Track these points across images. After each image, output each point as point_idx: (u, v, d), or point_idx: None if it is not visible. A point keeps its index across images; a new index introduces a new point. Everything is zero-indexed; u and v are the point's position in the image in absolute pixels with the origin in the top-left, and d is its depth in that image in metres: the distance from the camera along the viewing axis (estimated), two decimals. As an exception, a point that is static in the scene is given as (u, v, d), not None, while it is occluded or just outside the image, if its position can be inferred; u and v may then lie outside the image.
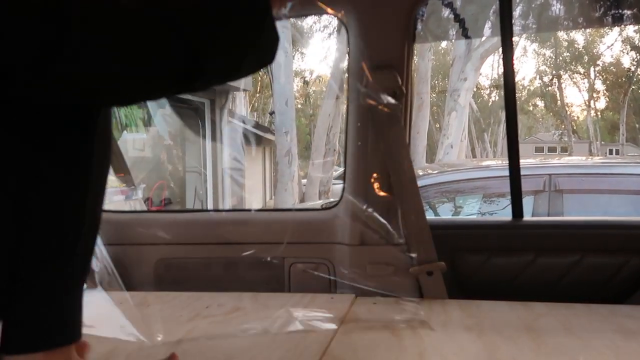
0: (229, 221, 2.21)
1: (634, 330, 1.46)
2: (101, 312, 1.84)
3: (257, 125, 16.49)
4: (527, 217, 2.04)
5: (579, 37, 31.27)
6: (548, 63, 33.01)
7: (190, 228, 2.16)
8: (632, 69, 31.29)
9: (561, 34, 29.91)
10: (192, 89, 0.90)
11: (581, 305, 1.69)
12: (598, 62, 32.49)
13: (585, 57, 31.80)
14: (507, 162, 2.02)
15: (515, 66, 1.93)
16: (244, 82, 12.51)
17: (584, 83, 34.00)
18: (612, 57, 34.40)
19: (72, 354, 1.02)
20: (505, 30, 1.90)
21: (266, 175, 18.14)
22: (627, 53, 31.73)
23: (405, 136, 1.84)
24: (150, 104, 8.85)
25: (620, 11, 2.50)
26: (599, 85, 33.94)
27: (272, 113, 14.72)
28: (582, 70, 32.94)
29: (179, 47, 0.81)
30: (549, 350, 1.33)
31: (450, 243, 1.98)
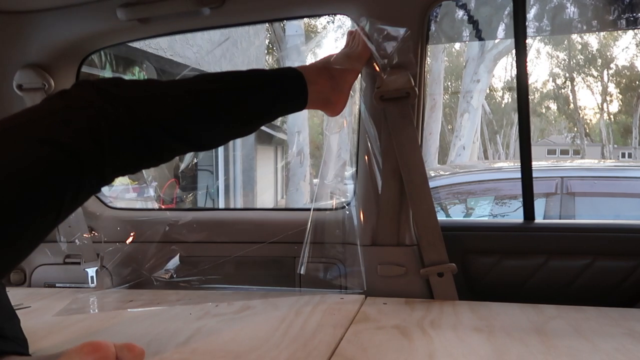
0: (239, 220, 2.21)
1: (645, 334, 1.46)
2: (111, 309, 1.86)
3: (269, 125, 16.50)
4: (539, 219, 2.03)
5: (593, 39, 31.16)
6: (561, 65, 32.87)
7: (201, 226, 2.17)
8: (646, 72, 31.15)
9: (575, 37, 29.80)
10: None
11: (592, 308, 1.69)
12: (611, 65, 32.33)
13: (599, 60, 31.64)
14: (519, 164, 2.01)
15: (528, 68, 1.92)
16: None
17: (597, 86, 33.84)
18: (626, 60, 34.22)
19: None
20: (518, 33, 1.90)
21: (278, 175, 18.14)
22: (641, 56, 31.61)
23: (417, 137, 1.84)
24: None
25: (634, 14, 2.49)
26: (612, 88, 33.80)
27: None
28: (595, 73, 32.77)
29: None
30: (559, 353, 1.32)
31: (462, 244, 1.98)
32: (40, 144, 1.05)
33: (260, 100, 1.51)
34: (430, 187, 1.85)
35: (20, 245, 1.08)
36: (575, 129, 34.62)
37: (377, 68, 1.82)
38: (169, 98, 1.31)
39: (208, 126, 1.39)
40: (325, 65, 1.73)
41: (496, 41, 11.57)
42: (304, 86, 1.62)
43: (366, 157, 1.92)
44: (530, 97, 1.97)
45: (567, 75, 32.66)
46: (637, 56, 32.40)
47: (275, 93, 1.57)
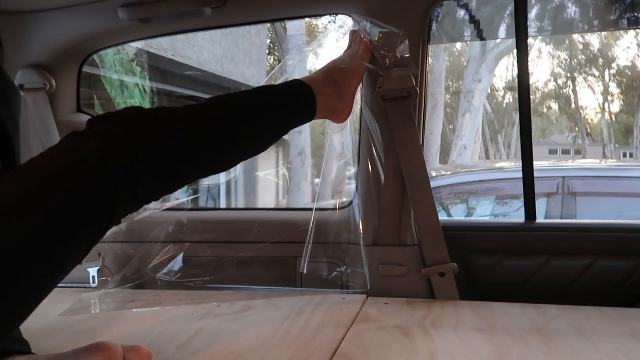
0: (241, 220, 2.21)
1: (647, 334, 1.46)
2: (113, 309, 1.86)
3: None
4: (540, 219, 2.03)
5: (594, 39, 31.12)
6: (563, 65, 32.83)
7: (203, 226, 2.17)
8: (648, 72, 31.10)
9: (576, 37, 29.75)
10: None
11: (593, 308, 1.69)
12: (613, 65, 32.29)
13: (600, 60, 31.60)
14: (521, 164, 2.01)
15: (529, 68, 1.92)
16: (257, 82, 12.50)
17: (598, 86, 33.79)
18: (627, 60, 34.16)
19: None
20: (520, 32, 1.90)
21: (279, 175, 18.14)
22: (643, 56, 31.54)
23: (419, 137, 1.83)
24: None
25: (636, 14, 2.49)
26: (614, 88, 33.75)
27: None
28: (596, 73, 32.73)
29: None
30: (560, 353, 1.32)
31: (463, 244, 1.98)
32: (81, 193, 1.05)
33: (273, 119, 1.51)
34: (432, 187, 1.85)
35: (63, 273, 1.10)
36: (577, 129, 34.58)
37: (379, 68, 1.82)
38: (189, 129, 1.30)
39: (227, 152, 1.39)
40: (329, 74, 1.73)
41: (498, 41, 11.57)
42: (312, 99, 1.62)
43: (368, 157, 1.92)
44: (532, 97, 1.96)
45: (569, 75, 32.62)
46: (638, 56, 32.34)
47: (289, 110, 1.56)
